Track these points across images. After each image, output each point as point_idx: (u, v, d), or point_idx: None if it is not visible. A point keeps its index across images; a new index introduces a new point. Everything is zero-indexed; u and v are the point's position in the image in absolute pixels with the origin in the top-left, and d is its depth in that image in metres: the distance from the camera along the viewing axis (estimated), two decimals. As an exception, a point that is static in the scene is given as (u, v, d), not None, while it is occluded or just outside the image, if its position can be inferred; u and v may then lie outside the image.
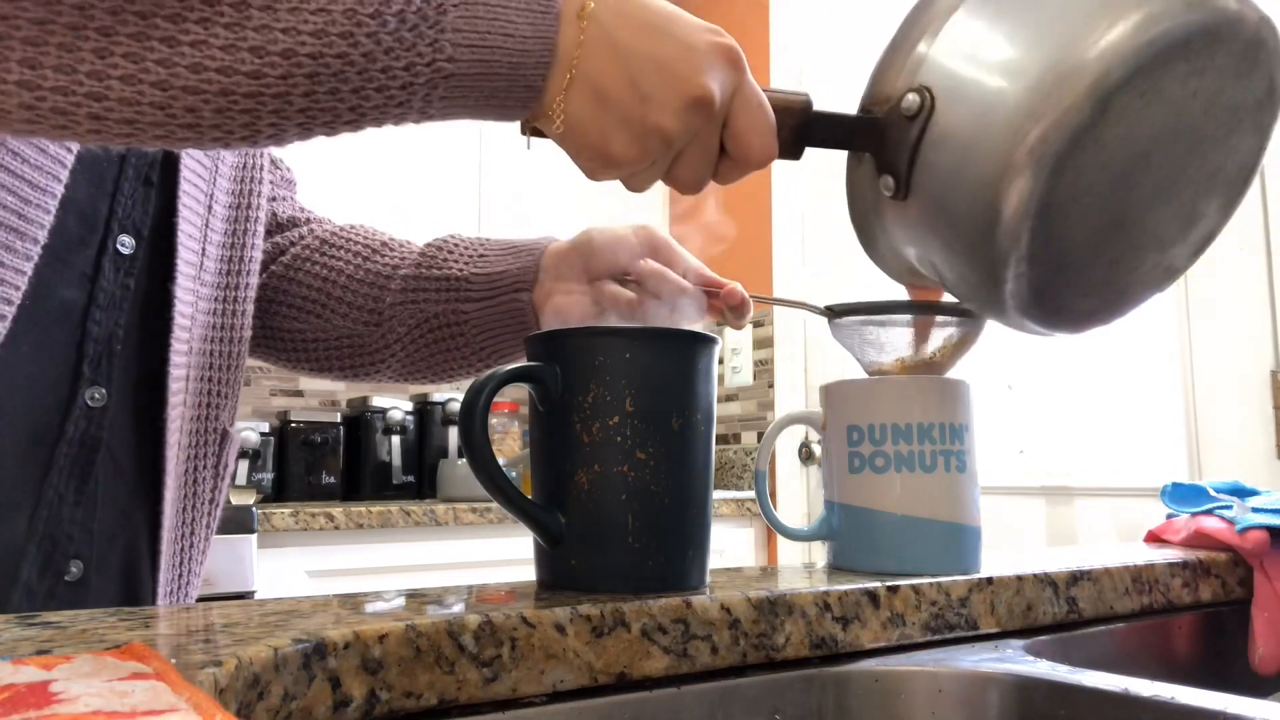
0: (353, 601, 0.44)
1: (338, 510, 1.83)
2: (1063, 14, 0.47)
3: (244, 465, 2.05)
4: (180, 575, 0.69)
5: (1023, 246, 0.47)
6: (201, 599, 0.65)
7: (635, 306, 0.66)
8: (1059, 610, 0.57)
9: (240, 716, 0.32)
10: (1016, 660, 0.49)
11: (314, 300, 0.76)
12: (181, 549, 0.69)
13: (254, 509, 1.70)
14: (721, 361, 2.58)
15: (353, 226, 0.80)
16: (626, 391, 0.47)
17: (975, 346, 0.60)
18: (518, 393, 2.31)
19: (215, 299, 0.70)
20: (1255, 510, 0.69)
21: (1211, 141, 0.49)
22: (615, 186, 0.54)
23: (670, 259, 0.66)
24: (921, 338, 0.58)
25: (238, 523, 1.65)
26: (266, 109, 0.41)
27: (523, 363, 0.49)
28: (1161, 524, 0.76)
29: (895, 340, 0.59)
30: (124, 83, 0.39)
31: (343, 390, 2.50)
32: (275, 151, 0.81)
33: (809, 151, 0.54)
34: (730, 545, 2.25)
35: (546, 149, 0.54)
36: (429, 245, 0.75)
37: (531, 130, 0.50)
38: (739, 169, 0.51)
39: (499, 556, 1.95)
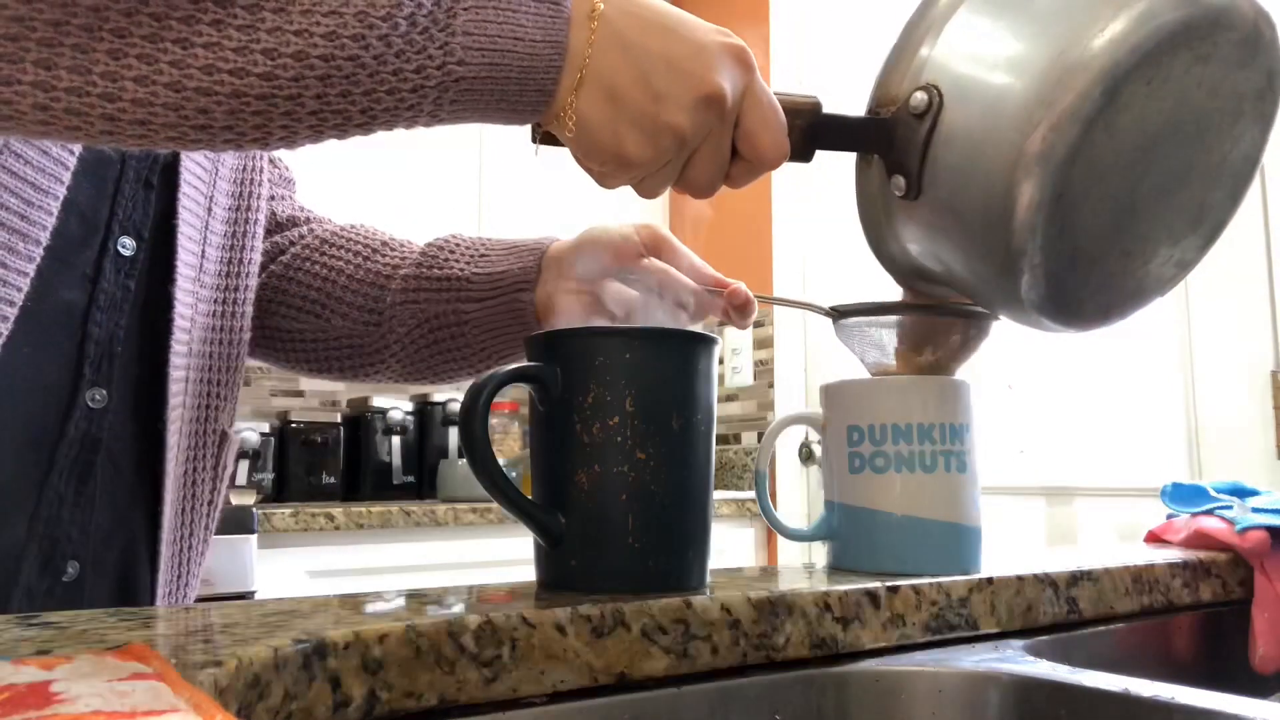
0: (353, 602, 0.44)
1: (338, 510, 1.83)
2: (1065, 8, 0.47)
3: (244, 465, 2.05)
4: (179, 576, 0.69)
5: (1038, 237, 0.47)
6: (201, 599, 0.65)
7: (636, 305, 0.66)
8: (1059, 610, 0.57)
9: (240, 717, 0.32)
10: (1017, 660, 0.49)
11: (313, 300, 0.76)
12: (180, 550, 0.69)
13: (254, 509, 1.70)
14: (721, 361, 2.58)
15: (352, 226, 0.80)
16: (626, 391, 0.47)
17: (980, 348, 0.60)
18: (518, 393, 2.31)
19: (215, 300, 0.70)
20: (1255, 510, 0.69)
21: (1216, 131, 0.50)
22: (615, 190, 0.53)
23: (673, 258, 0.66)
24: (926, 339, 0.58)
25: (238, 523, 1.65)
26: (279, 110, 0.42)
27: (523, 363, 0.49)
28: (1161, 524, 0.76)
29: (900, 341, 0.59)
30: (137, 83, 0.39)
31: (343, 390, 2.50)
32: (275, 151, 0.81)
33: (809, 165, 0.54)
34: (730, 545, 2.25)
35: (550, 154, 0.54)
36: (430, 245, 0.75)
37: (542, 137, 0.50)
38: (751, 170, 0.51)
39: (499, 556, 1.95)
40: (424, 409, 2.36)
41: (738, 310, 0.65)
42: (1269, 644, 0.65)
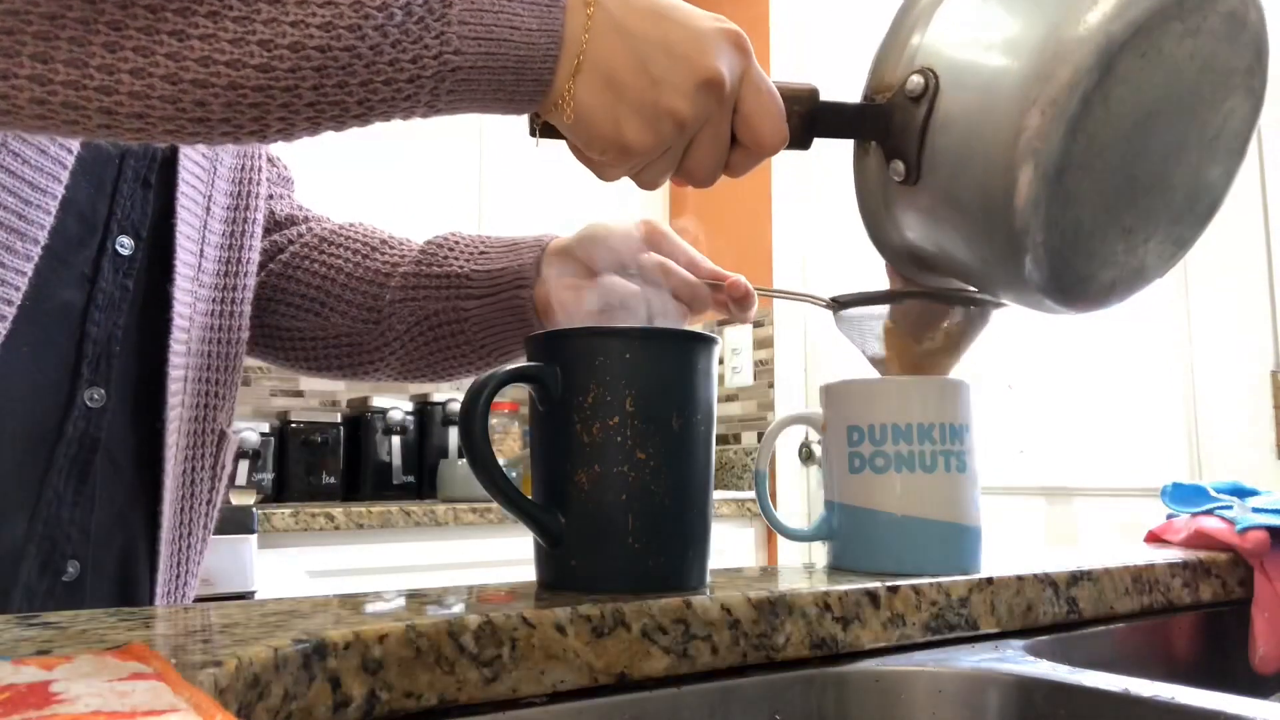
0: (353, 602, 0.44)
1: (338, 510, 1.83)
2: None
3: (244, 465, 2.05)
4: (178, 576, 0.69)
5: (1041, 213, 0.48)
6: (201, 599, 0.65)
7: (637, 299, 0.66)
8: (1059, 610, 0.57)
9: (240, 717, 0.32)
10: (1016, 660, 0.49)
11: (312, 298, 0.76)
12: (179, 549, 0.69)
13: (254, 509, 1.70)
14: (721, 361, 2.58)
15: (351, 224, 0.80)
16: (626, 391, 0.47)
17: (980, 338, 0.60)
18: (518, 393, 2.31)
19: (213, 300, 0.70)
20: (1255, 510, 0.69)
21: (1209, 105, 0.51)
22: (617, 185, 0.53)
23: (673, 252, 0.66)
24: (926, 328, 0.58)
25: (238, 523, 1.65)
26: (275, 102, 0.42)
27: (523, 363, 0.49)
28: (1162, 524, 0.76)
29: (900, 331, 0.59)
30: (134, 76, 0.39)
31: (343, 390, 2.51)
32: (273, 149, 0.81)
33: (808, 156, 0.54)
34: (730, 545, 2.25)
35: (549, 148, 0.54)
36: (429, 243, 0.75)
37: (541, 128, 0.50)
38: (751, 157, 0.51)
39: (499, 556, 1.95)
40: (424, 409, 2.36)
41: (738, 303, 0.65)
42: (1269, 644, 0.65)
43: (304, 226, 0.80)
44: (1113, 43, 0.45)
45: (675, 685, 0.43)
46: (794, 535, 0.62)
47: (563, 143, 0.52)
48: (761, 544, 2.31)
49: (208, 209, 0.69)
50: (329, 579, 1.81)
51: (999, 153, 0.47)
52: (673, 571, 0.48)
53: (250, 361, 0.77)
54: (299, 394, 2.45)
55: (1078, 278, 0.52)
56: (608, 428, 0.47)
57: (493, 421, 2.10)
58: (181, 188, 0.66)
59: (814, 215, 2.34)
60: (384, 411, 2.28)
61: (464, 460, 2.10)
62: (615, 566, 0.47)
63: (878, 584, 0.50)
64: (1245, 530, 0.67)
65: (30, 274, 0.56)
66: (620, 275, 0.66)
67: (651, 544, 0.47)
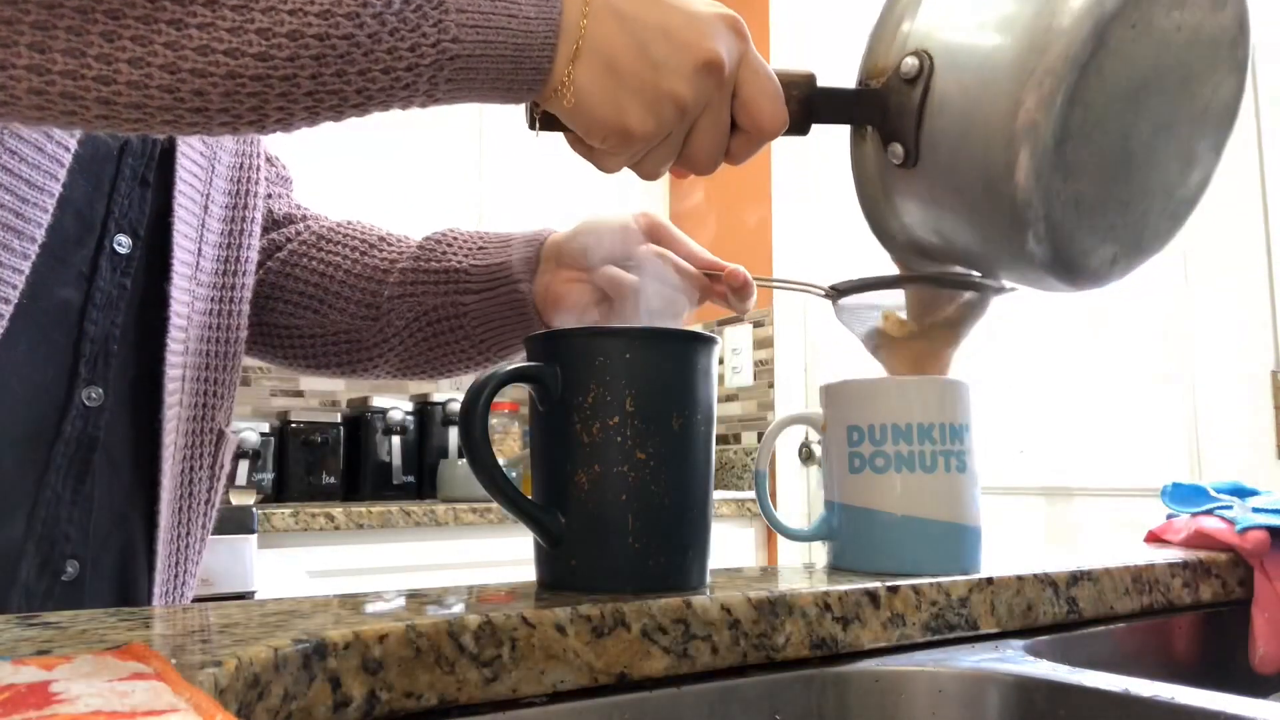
0: (353, 601, 0.44)
1: (338, 510, 1.83)
2: None
3: (244, 465, 2.05)
4: (176, 575, 0.69)
5: (1043, 186, 0.48)
6: (201, 599, 0.65)
7: (635, 290, 0.65)
8: (1059, 610, 0.57)
9: (240, 717, 0.31)
10: (1016, 660, 0.49)
11: (311, 296, 0.76)
12: (178, 549, 0.69)
13: (254, 509, 1.70)
14: (721, 361, 2.58)
15: (349, 222, 0.80)
16: (626, 391, 0.47)
17: (979, 327, 0.60)
18: (518, 393, 2.31)
19: (211, 299, 0.70)
20: (1255, 510, 0.69)
21: (1198, 78, 0.52)
22: (616, 178, 0.54)
23: (671, 243, 0.66)
24: (926, 313, 0.59)
25: (238, 523, 1.65)
26: (274, 92, 0.42)
27: (523, 363, 0.49)
28: (1162, 524, 0.76)
29: (899, 319, 0.59)
30: (132, 66, 0.39)
31: (343, 390, 2.51)
32: (272, 147, 0.81)
33: (806, 140, 0.54)
34: (730, 545, 2.25)
35: (550, 142, 0.54)
36: (427, 239, 0.75)
37: (541, 119, 0.50)
38: (751, 142, 0.51)
39: (499, 556, 1.95)
40: (424, 409, 2.36)
41: (736, 293, 0.65)
42: (1269, 644, 0.65)
43: (302, 225, 0.80)
44: (1105, 13, 0.47)
45: (675, 685, 0.43)
46: (794, 535, 0.62)
47: (562, 136, 0.52)
48: (761, 544, 2.31)
49: (206, 208, 0.69)
50: (329, 579, 1.81)
51: (998, 128, 0.48)
52: (673, 571, 0.48)
53: (250, 361, 0.77)
54: (299, 394, 2.45)
55: (1079, 252, 0.52)
56: (608, 428, 0.47)
57: (493, 421, 2.10)
58: (179, 186, 0.66)
59: (814, 208, 2.34)
60: (384, 411, 2.28)
61: (464, 460, 2.10)
62: (615, 566, 0.47)
63: (878, 584, 0.50)
64: (1245, 530, 0.67)
65: (28, 272, 0.56)
66: (618, 267, 0.66)
67: (651, 544, 0.47)
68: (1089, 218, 0.51)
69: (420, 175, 2.30)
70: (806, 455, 2.29)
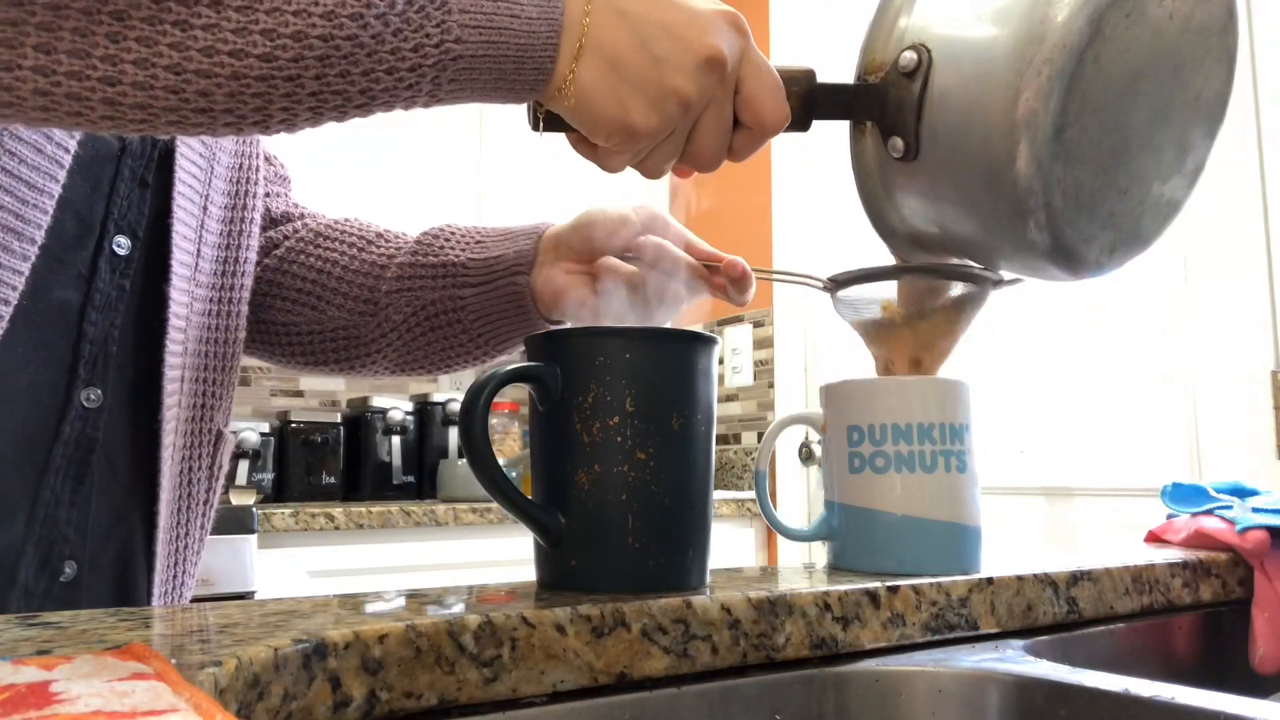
0: (353, 601, 0.44)
1: (338, 510, 1.83)
2: None
3: (244, 465, 2.05)
4: (175, 576, 0.69)
5: (1045, 173, 0.49)
6: (201, 599, 0.65)
7: (635, 281, 0.65)
8: (1059, 610, 0.57)
9: (240, 717, 0.31)
10: (1016, 660, 0.49)
11: (309, 292, 0.76)
12: (176, 549, 0.69)
13: (254, 509, 1.70)
14: (721, 361, 2.58)
15: (346, 219, 0.80)
16: (626, 391, 0.47)
17: (978, 314, 0.60)
18: (518, 393, 2.31)
19: (210, 300, 0.70)
20: (1255, 510, 0.69)
21: (1190, 66, 0.53)
22: (617, 175, 0.54)
23: (669, 235, 0.66)
24: (925, 304, 0.59)
25: (238, 523, 1.65)
26: (278, 92, 0.42)
27: (523, 363, 0.49)
28: (1162, 524, 0.76)
29: (898, 307, 0.60)
30: (137, 66, 0.40)
31: (343, 390, 2.51)
32: (271, 144, 0.81)
33: (805, 133, 0.55)
34: (730, 545, 2.25)
35: (550, 139, 0.54)
36: (424, 234, 0.75)
37: (545, 119, 0.50)
38: (754, 138, 0.51)
39: (499, 556, 1.95)
40: (424, 409, 2.36)
41: (735, 284, 0.65)
42: (1269, 644, 0.65)
43: (299, 222, 0.80)
44: (1101, 2, 0.47)
45: (675, 685, 0.43)
46: (794, 535, 0.62)
47: (564, 141, 0.52)
48: (761, 544, 2.31)
49: (205, 208, 0.69)
50: (329, 579, 1.81)
51: (999, 117, 0.49)
52: (673, 571, 0.48)
53: (250, 361, 0.77)
54: (299, 394, 2.45)
55: (1080, 239, 0.53)
56: (608, 428, 0.47)
57: (493, 421, 2.10)
58: (178, 187, 0.66)
59: (813, 201, 2.34)
60: (384, 411, 2.28)
61: (464, 460, 2.10)
62: (615, 566, 0.47)
63: (878, 584, 0.50)
64: (1245, 530, 0.67)
65: (27, 274, 0.56)
66: (618, 259, 0.66)
67: (651, 544, 0.47)
68: (1089, 205, 0.52)
69: (420, 171, 2.29)
70: (806, 455, 2.29)
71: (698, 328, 0.54)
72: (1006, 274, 0.59)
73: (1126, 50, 0.49)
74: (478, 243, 0.72)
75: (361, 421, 2.28)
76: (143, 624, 0.39)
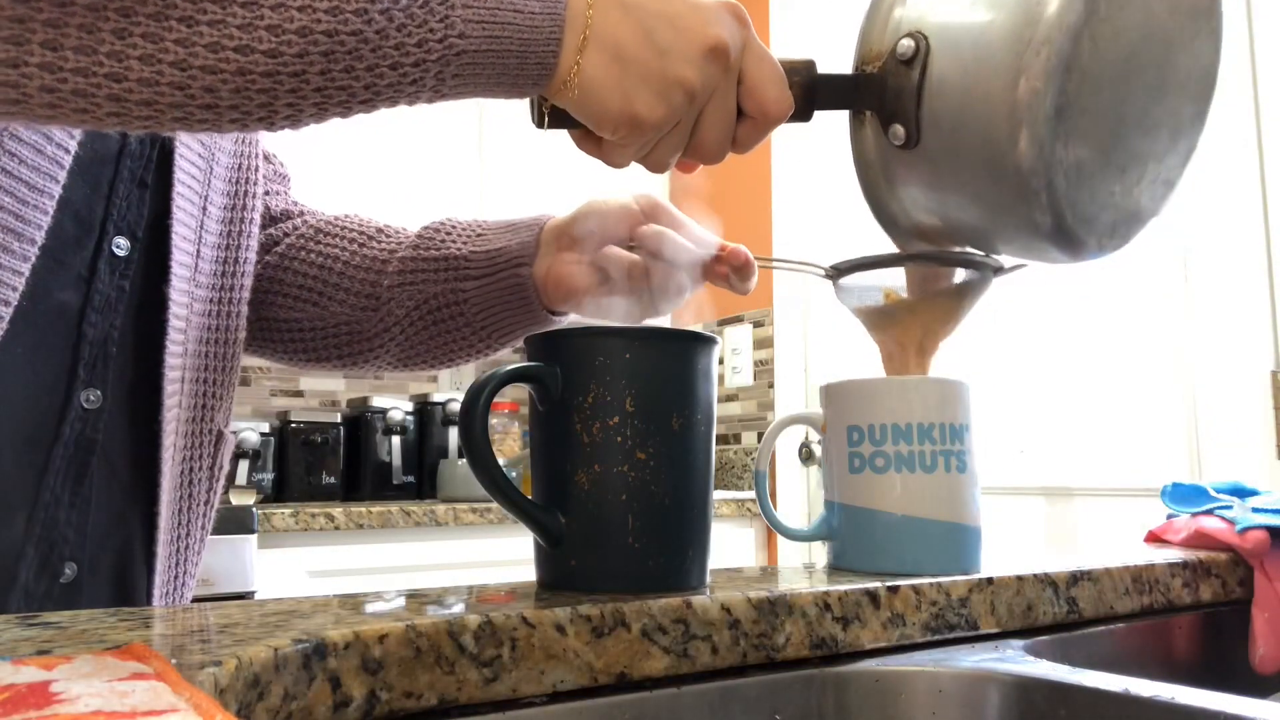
0: (353, 601, 0.44)
1: (338, 510, 1.83)
2: None
3: (244, 465, 2.05)
4: (176, 577, 0.69)
5: (1047, 153, 0.50)
6: (201, 599, 0.65)
7: (637, 269, 0.65)
8: (1059, 610, 0.57)
9: (240, 716, 0.31)
10: (1016, 660, 0.49)
11: (310, 288, 0.76)
12: (177, 550, 0.69)
13: (254, 509, 1.70)
14: (721, 361, 2.58)
15: (346, 215, 0.80)
16: (626, 391, 0.47)
17: (979, 302, 0.60)
18: (518, 393, 2.31)
19: (210, 300, 0.70)
20: (1255, 510, 0.69)
21: (1180, 45, 0.54)
22: (617, 173, 0.53)
23: (671, 223, 0.66)
24: (925, 289, 0.59)
25: (238, 523, 1.65)
26: (283, 88, 0.42)
27: (523, 363, 0.49)
28: (1162, 524, 0.76)
29: (899, 299, 0.60)
30: (143, 62, 0.40)
31: (343, 390, 2.51)
32: (271, 144, 0.81)
33: (804, 126, 0.55)
34: (730, 545, 2.25)
35: (551, 138, 0.54)
36: (425, 228, 0.75)
37: (549, 115, 0.50)
38: (757, 128, 0.52)
39: (499, 556, 1.95)
40: (424, 409, 2.36)
41: (737, 272, 0.65)
42: (1269, 644, 0.65)
43: (299, 220, 0.79)
44: None
45: (675, 685, 0.43)
46: (794, 535, 0.62)
47: (566, 137, 0.52)
48: (761, 544, 2.31)
49: (204, 209, 0.69)
50: (329, 579, 1.81)
51: (999, 100, 0.49)
52: (673, 571, 0.48)
53: (250, 361, 0.77)
54: (299, 394, 2.45)
55: (1082, 219, 0.53)
56: (608, 428, 0.47)
57: (493, 421, 2.10)
58: (178, 188, 0.66)
59: (813, 192, 2.33)
60: (384, 411, 2.28)
61: (464, 460, 2.10)
62: (615, 566, 0.47)
63: (878, 584, 0.50)
64: (1245, 530, 0.67)
65: (27, 275, 0.56)
66: (620, 248, 0.66)
67: (651, 544, 0.47)
68: (1090, 185, 0.53)
69: (421, 163, 2.29)
70: (806, 455, 2.29)
71: (698, 328, 0.54)
72: (1007, 260, 0.59)
73: (1120, 30, 0.50)
74: (479, 235, 0.72)
75: (361, 421, 2.28)
76: (143, 624, 0.39)
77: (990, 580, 0.54)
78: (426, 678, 0.38)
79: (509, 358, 0.74)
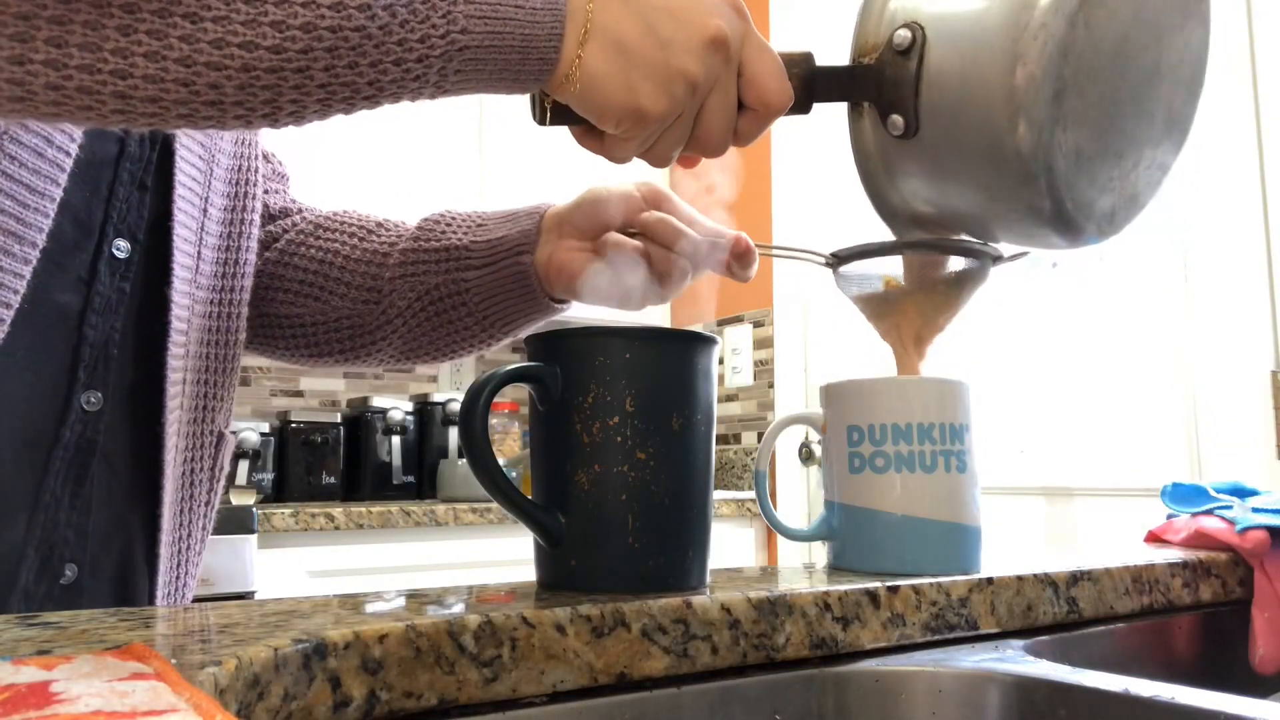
0: (353, 601, 0.44)
1: (338, 510, 1.83)
2: None
3: (244, 465, 2.05)
4: (177, 577, 0.69)
5: (1046, 138, 0.50)
6: (201, 599, 0.65)
7: (639, 255, 0.65)
8: (1059, 610, 0.57)
9: (240, 716, 0.32)
10: (1016, 660, 0.49)
11: (311, 284, 0.75)
12: (178, 551, 0.69)
13: (254, 509, 1.70)
14: (721, 361, 2.58)
15: (345, 210, 0.80)
16: (626, 391, 0.47)
17: (978, 290, 0.60)
18: (518, 393, 2.31)
19: (211, 302, 0.70)
20: (1255, 510, 0.69)
21: (1170, 31, 0.54)
22: (616, 167, 0.53)
23: (673, 211, 0.66)
24: (925, 277, 0.59)
25: (238, 523, 1.65)
26: (288, 84, 0.42)
27: (523, 363, 0.49)
28: (1162, 524, 0.76)
29: (899, 288, 0.60)
30: (148, 59, 0.40)
31: (343, 390, 2.51)
32: (270, 141, 0.81)
33: (803, 118, 0.55)
34: (730, 545, 2.25)
35: (552, 134, 0.54)
36: (425, 220, 0.75)
37: (551, 111, 0.50)
38: (758, 120, 0.52)
39: (499, 556, 1.95)
40: (424, 409, 2.36)
41: (738, 259, 0.64)
42: (1269, 644, 0.65)
43: (297, 216, 0.79)
44: None
45: (675, 685, 0.43)
46: (794, 535, 0.62)
47: (566, 132, 0.52)
48: (761, 544, 2.31)
49: (204, 211, 0.69)
50: (329, 579, 1.81)
51: (997, 86, 0.50)
52: (673, 571, 0.48)
53: (250, 361, 0.77)
54: (299, 394, 2.45)
55: (1081, 204, 0.53)
56: (608, 428, 0.47)
57: (493, 421, 2.10)
58: (178, 190, 0.66)
59: (813, 181, 2.33)
60: (384, 411, 2.28)
61: (464, 460, 2.10)
62: (615, 566, 0.47)
63: (878, 584, 0.50)
64: (1245, 530, 0.67)
65: (28, 277, 0.56)
66: (621, 234, 0.66)
67: (651, 544, 0.47)
68: (1088, 169, 0.53)
69: (421, 160, 2.29)
70: (806, 455, 2.29)
71: (698, 328, 0.54)
72: (1007, 249, 0.59)
73: (1112, 14, 0.50)
74: (479, 225, 0.72)
75: (361, 421, 2.28)
76: (143, 624, 0.39)
77: (990, 580, 0.54)
78: (426, 678, 0.38)
79: (509, 358, 0.74)
